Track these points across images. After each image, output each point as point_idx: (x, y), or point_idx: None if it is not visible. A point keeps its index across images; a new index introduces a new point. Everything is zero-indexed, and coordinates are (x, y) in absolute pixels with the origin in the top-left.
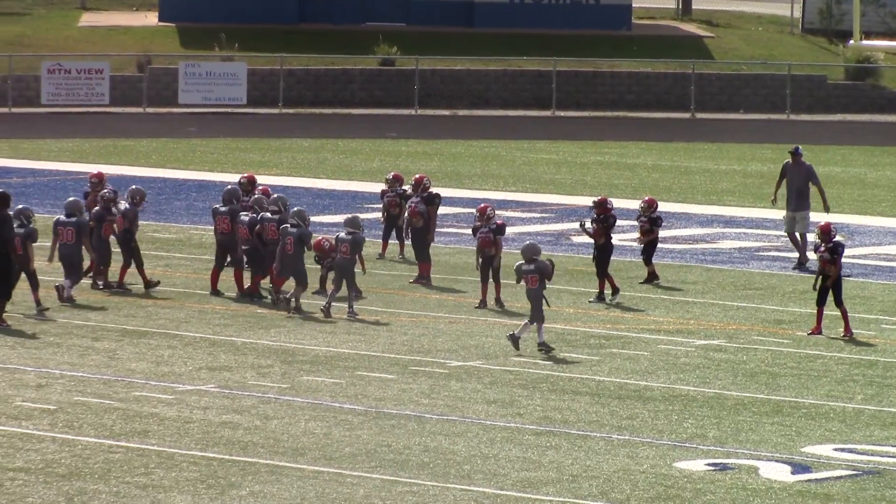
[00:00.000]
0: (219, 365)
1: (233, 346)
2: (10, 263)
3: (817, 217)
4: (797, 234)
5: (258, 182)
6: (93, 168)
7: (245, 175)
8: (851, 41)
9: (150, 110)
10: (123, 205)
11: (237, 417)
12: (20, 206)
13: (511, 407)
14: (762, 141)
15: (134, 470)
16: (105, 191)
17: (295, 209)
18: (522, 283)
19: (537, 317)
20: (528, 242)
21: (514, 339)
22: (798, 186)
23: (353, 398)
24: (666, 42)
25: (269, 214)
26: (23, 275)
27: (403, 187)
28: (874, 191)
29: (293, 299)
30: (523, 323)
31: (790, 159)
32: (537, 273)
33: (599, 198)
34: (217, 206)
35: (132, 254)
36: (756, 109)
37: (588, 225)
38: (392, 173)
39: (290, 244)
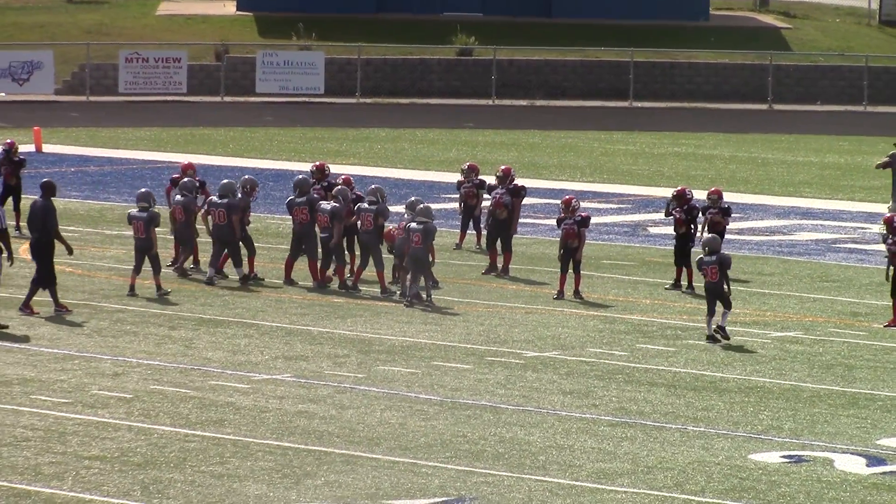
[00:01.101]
0: (295, 354)
1: (309, 336)
2: (51, 250)
3: None
4: None
5: (329, 171)
6: (170, 157)
7: (316, 164)
8: None
9: (227, 99)
10: (238, 195)
11: (313, 407)
12: (143, 190)
13: (587, 398)
14: (839, 133)
15: (209, 459)
16: (187, 179)
17: (422, 206)
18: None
19: (726, 305)
20: (710, 235)
21: (713, 338)
22: None
23: (428, 388)
24: (743, 33)
25: (365, 205)
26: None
27: (479, 177)
28: None
29: (425, 293)
30: (707, 321)
31: (894, 150)
32: (717, 265)
33: (678, 189)
34: (293, 197)
35: (246, 244)
36: (833, 101)
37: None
38: (467, 164)
39: (417, 240)
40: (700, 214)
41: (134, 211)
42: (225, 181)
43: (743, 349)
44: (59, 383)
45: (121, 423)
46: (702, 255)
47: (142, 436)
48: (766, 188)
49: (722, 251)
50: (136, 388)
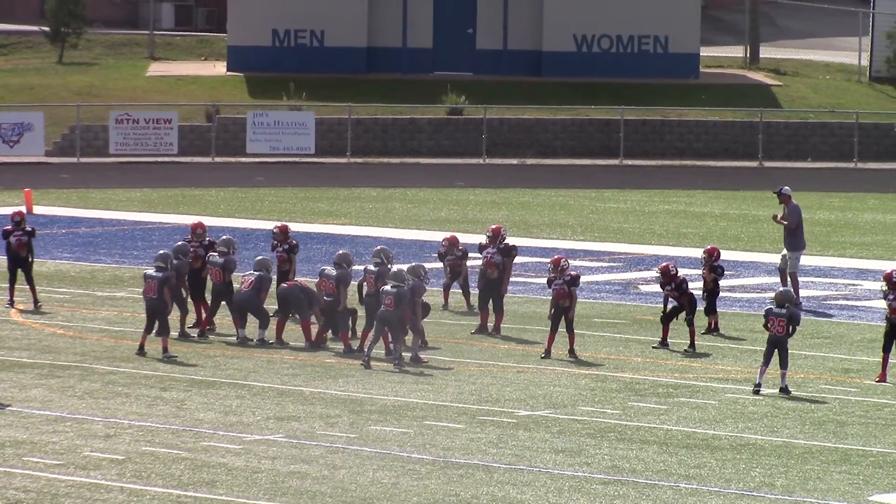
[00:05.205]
0: (287, 415)
1: (301, 396)
2: None
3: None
4: (787, 274)
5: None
6: (162, 218)
7: (278, 225)
8: None
9: (218, 160)
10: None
11: (305, 467)
12: (162, 251)
13: (579, 456)
14: (830, 189)
15: None
16: (181, 242)
17: (395, 270)
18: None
19: (783, 362)
20: (783, 289)
21: (759, 390)
22: (788, 227)
23: (421, 448)
24: (734, 91)
25: (372, 267)
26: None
27: (461, 248)
28: None
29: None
30: (760, 370)
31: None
32: (786, 318)
33: (662, 266)
34: (326, 268)
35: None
36: (823, 158)
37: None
38: (446, 239)
39: (389, 303)
40: (698, 270)
41: (150, 271)
42: (259, 258)
43: (734, 406)
44: (51, 445)
45: (113, 485)
46: (771, 306)
47: (134, 497)
48: (756, 245)
49: (791, 307)
50: (128, 450)
